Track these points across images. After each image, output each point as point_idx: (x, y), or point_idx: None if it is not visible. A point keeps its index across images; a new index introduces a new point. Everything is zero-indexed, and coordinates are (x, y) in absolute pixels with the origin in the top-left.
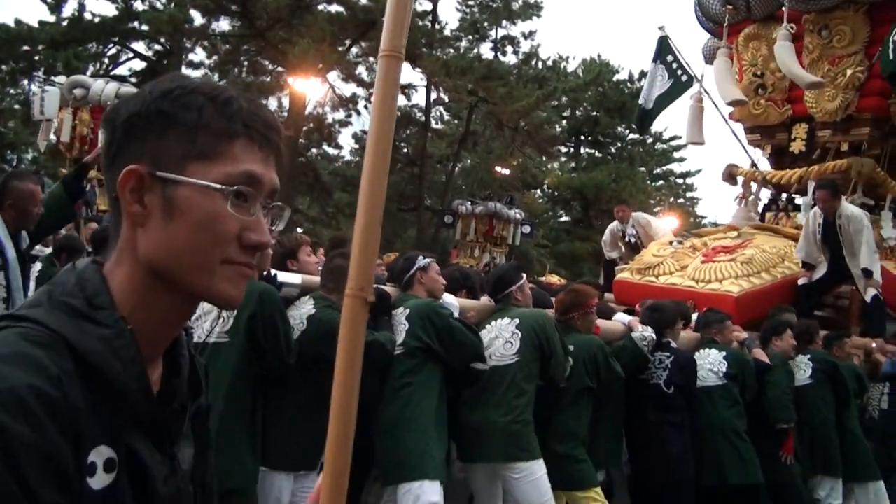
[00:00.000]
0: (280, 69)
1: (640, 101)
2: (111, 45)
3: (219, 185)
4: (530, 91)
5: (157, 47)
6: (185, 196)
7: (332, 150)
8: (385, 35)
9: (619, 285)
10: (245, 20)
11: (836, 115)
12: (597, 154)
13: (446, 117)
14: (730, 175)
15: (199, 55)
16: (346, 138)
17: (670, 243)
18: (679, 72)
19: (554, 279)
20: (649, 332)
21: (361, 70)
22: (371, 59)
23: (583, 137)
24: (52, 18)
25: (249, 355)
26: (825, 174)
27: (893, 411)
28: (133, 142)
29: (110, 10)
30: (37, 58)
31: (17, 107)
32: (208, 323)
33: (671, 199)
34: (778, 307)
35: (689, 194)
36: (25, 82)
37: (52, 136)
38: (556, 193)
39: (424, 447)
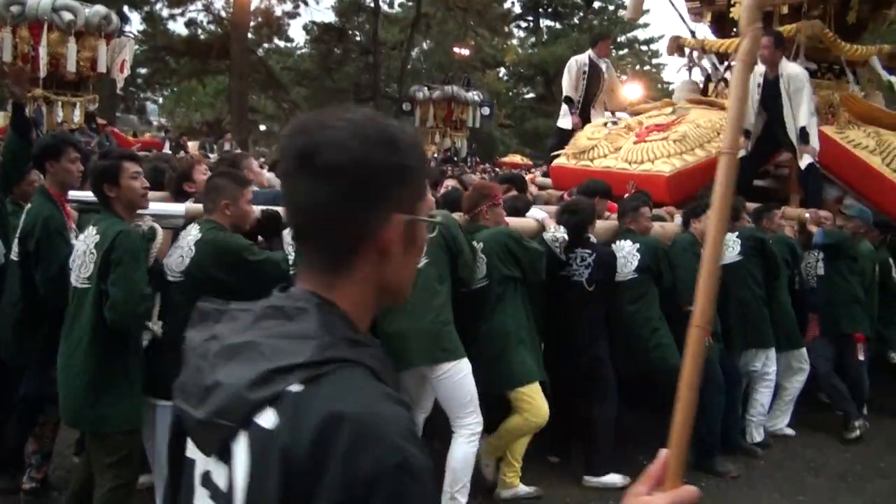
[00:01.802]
0: None
1: None
2: None
3: (433, 218)
4: None
5: None
6: (419, 230)
7: (283, 45)
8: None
9: (556, 171)
10: None
11: None
12: (557, 26)
13: (397, 1)
14: (677, 47)
15: None
16: (296, 31)
17: (605, 124)
18: None
19: (517, 159)
20: (561, 233)
21: None
22: None
23: (541, 10)
24: None
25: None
26: None
27: (829, 276)
28: (378, 191)
29: None
30: None
31: None
32: (77, 266)
33: (636, 67)
34: (707, 187)
35: (654, 61)
36: None
37: None
38: (519, 71)
39: None
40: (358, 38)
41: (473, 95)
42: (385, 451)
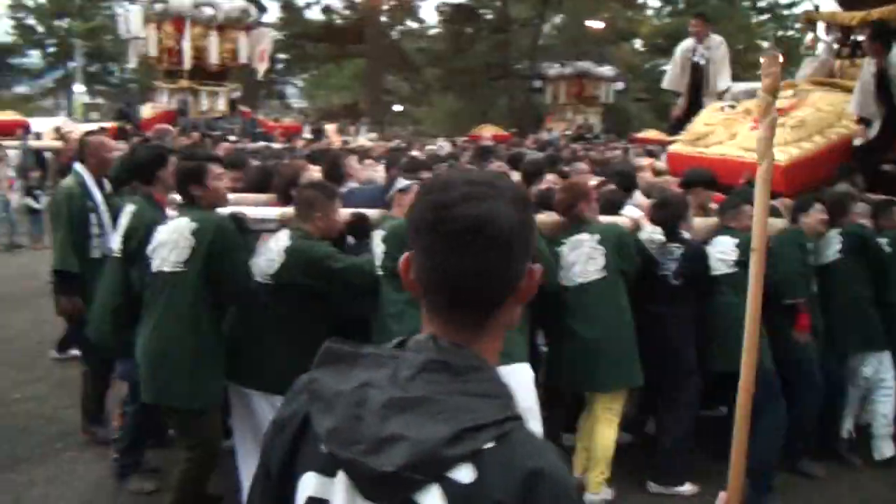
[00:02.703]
0: None
1: None
2: None
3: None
4: None
5: None
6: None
7: (416, 26)
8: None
9: (672, 157)
10: None
11: None
12: None
13: None
14: (807, 20)
15: None
16: (429, 12)
17: (721, 108)
18: None
19: (653, 134)
20: (658, 235)
21: None
22: None
23: None
24: None
25: (206, 282)
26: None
27: None
28: (522, 247)
29: None
30: None
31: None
32: (167, 252)
33: (779, 33)
34: (841, 167)
35: (798, 25)
36: None
37: (142, 49)
38: (655, 42)
39: None
40: (489, 17)
41: (606, 70)
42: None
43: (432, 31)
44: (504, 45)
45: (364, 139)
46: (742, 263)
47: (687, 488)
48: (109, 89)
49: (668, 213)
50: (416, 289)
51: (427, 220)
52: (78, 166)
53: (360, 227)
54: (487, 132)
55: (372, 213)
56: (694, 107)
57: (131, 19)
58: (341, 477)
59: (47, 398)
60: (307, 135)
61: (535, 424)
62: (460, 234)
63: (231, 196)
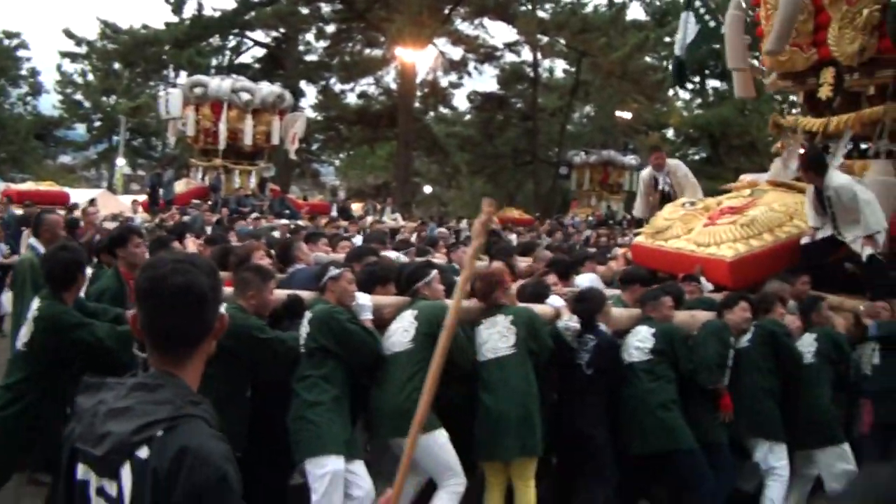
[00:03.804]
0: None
1: (676, 51)
2: (231, 37)
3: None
4: (629, 39)
5: (275, 34)
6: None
7: (448, 112)
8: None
9: (635, 249)
10: (345, 4)
11: (857, 59)
12: (723, 87)
13: (556, 71)
14: (774, 124)
15: (310, 38)
16: (461, 99)
17: (682, 205)
18: (707, 17)
19: None
20: (573, 323)
21: (468, 31)
22: (476, 20)
23: (707, 71)
24: (175, 19)
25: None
26: (862, 121)
27: (885, 365)
28: (213, 304)
29: (229, 4)
30: (164, 57)
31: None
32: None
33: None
34: (775, 276)
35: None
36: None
37: (181, 129)
38: (687, 132)
39: (328, 430)
40: (518, 106)
41: (631, 159)
42: (212, 470)
43: (464, 118)
44: (532, 132)
45: (388, 219)
46: (659, 352)
47: None
48: (150, 163)
49: (586, 306)
50: (141, 335)
51: (145, 289)
52: (32, 241)
53: (294, 308)
54: (512, 215)
55: (306, 295)
56: None
57: (171, 101)
58: None
59: None
60: (334, 213)
61: (456, 479)
62: (170, 297)
63: None
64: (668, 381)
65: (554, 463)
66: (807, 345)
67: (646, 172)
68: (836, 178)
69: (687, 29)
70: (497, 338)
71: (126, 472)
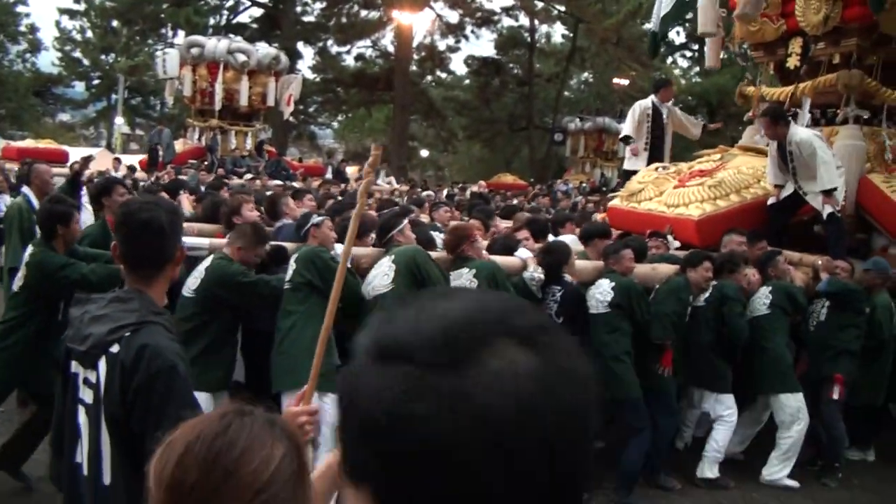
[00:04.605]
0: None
1: (650, 24)
2: None
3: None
4: (623, 6)
5: None
6: (180, 252)
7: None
8: None
9: (611, 211)
10: None
11: (821, 28)
12: (722, 56)
13: (555, 36)
14: (740, 94)
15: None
16: (458, 63)
17: (656, 169)
18: None
19: None
20: (538, 273)
21: None
22: None
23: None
24: None
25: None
26: (819, 89)
27: (829, 322)
28: (172, 237)
29: None
30: (161, 15)
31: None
32: None
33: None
34: (728, 230)
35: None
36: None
37: (178, 88)
38: (685, 100)
39: (303, 362)
40: (515, 71)
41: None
42: (163, 361)
43: (461, 83)
44: (529, 98)
45: (383, 182)
46: (616, 305)
47: None
48: (149, 122)
49: (552, 259)
50: (119, 260)
51: (119, 222)
52: (25, 189)
53: (279, 257)
54: (507, 180)
55: (290, 246)
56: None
57: (169, 61)
58: None
59: None
60: (329, 175)
61: None
62: (136, 228)
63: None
64: (622, 334)
65: None
66: (762, 297)
67: (646, 101)
68: (799, 132)
69: (662, 1)
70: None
71: (102, 364)
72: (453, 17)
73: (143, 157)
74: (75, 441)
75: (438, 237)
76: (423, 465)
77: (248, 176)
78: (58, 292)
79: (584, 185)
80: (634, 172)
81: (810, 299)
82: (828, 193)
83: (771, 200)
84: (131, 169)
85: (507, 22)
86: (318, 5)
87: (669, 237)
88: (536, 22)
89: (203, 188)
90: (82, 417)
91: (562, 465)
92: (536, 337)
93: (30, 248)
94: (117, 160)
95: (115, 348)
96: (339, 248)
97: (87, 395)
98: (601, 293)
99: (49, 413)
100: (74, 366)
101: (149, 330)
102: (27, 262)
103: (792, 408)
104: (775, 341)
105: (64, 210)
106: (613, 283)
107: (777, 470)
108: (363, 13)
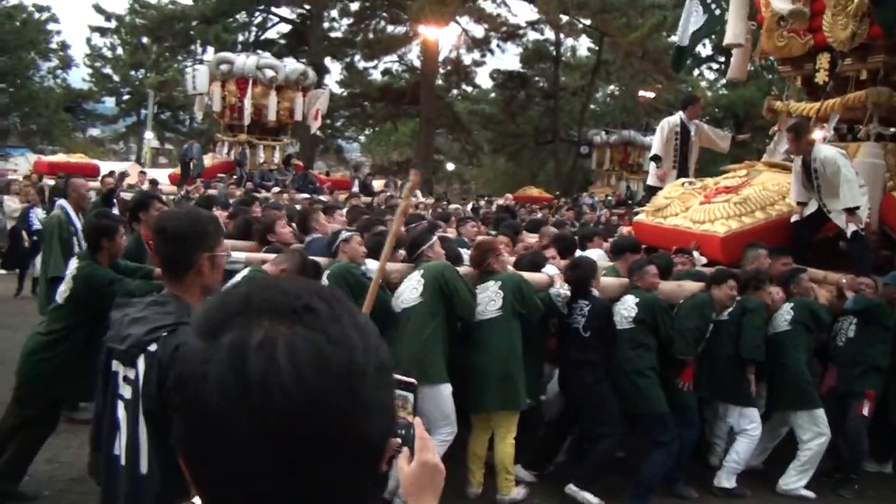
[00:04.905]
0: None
1: (676, 38)
2: (257, 13)
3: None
4: (648, 19)
5: (301, 10)
6: (217, 261)
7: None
8: None
9: (637, 226)
10: None
11: (849, 44)
12: (749, 68)
13: (581, 49)
14: (768, 109)
15: (334, 15)
16: (483, 77)
17: (682, 184)
18: (713, 5)
19: None
20: (564, 290)
21: (491, 9)
22: None
23: (732, 52)
24: None
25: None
26: (847, 104)
27: (858, 339)
28: (195, 244)
29: None
30: (191, 32)
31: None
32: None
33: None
34: (749, 245)
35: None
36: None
37: (208, 104)
38: (712, 112)
39: None
40: (541, 84)
41: (651, 139)
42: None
43: (487, 96)
44: (554, 111)
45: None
46: (640, 321)
47: (595, 500)
48: (178, 136)
49: (578, 273)
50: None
51: (154, 230)
52: (62, 201)
53: (314, 271)
54: (533, 193)
55: (323, 261)
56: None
57: (198, 77)
58: None
59: None
60: (355, 189)
61: (449, 428)
62: (169, 236)
63: None
64: (647, 350)
65: (551, 416)
66: (784, 313)
67: (674, 118)
68: (823, 150)
69: (691, 17)
70: (486, 301)
71: (140, 362)
72: (479, 31)
73: (172, 171)
74: (114, 434)
75: (465, 253)
76: (195, 422)
77: (276, 189)
78: (104, 306)
79: (609, 197)
80: (659, 188)
81: (836, 317)
82: (851, 212)
83: (794, 217)
84: (153, 182)
85: (532, 36)
86: (346, 21)
87: (695, 253)
88: (562, 36)
89: (232, 202)
90: (121, 412)
91: (319, 419)
92: (302, 315)
93: (76, 262)
94: (142, 174)
95: (152, 347)
96: (369, 263)
97: (126, 391)
98: (626, 309)
99: (46, 427)
100: (115, 364)
101: (184, 331)
102: (74, 276)
103: (811, 424)
104: (796, 357)
105: (109, 224)
106: (638, 300)
107: (794, 480)
108: (390, 28)
